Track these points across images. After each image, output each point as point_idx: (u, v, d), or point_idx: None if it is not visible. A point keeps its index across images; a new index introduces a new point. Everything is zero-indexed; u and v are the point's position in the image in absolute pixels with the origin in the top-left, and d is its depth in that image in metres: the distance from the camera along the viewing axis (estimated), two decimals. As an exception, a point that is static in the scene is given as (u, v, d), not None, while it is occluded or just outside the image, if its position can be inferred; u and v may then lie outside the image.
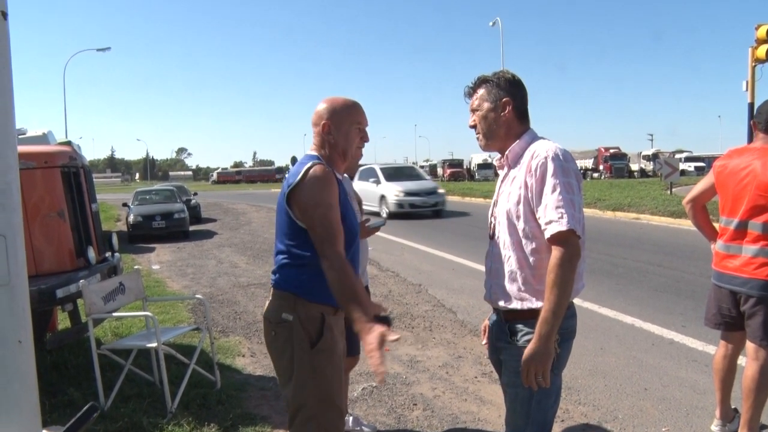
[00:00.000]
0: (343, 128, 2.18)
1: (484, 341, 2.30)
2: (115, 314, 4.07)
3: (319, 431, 2.09)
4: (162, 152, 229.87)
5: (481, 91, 2.09)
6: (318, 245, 2.01)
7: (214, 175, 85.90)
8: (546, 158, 1.91)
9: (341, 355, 2.22)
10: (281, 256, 2.15)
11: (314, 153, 2.20)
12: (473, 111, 2.11)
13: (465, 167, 55.63)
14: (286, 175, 2.26)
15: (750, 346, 2.94)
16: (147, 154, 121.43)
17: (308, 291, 2.09)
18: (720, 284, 3.06)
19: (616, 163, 46.02)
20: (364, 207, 4.70)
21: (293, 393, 2.10)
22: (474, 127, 2.12)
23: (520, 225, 1.97)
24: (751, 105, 12.80)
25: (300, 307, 2.09)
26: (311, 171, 2.05)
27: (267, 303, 2.21)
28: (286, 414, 3.19)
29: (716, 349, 3.24)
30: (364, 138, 2.26)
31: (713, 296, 3.14)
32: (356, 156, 2.25)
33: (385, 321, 1.91)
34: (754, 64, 12.62)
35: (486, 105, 2.07)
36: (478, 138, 2.13)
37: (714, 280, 3.12)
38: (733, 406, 3.24)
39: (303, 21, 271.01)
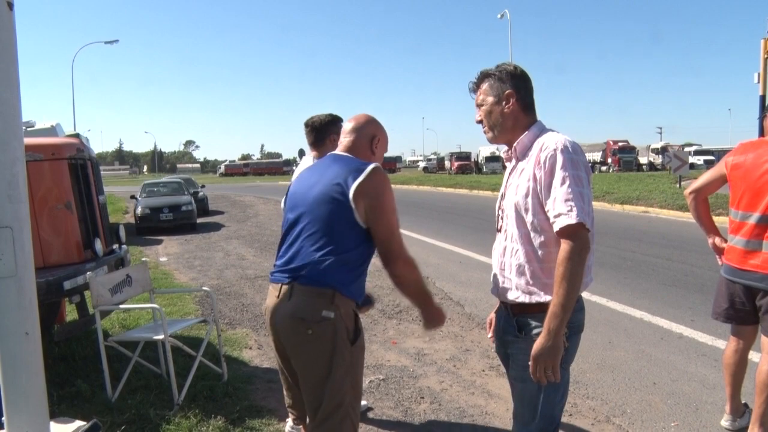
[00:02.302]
0: (383, 147, 2.38)
1: (490, 335, 2.30)
2: (122, 306, 4.08)
3: (353, 427, 2.11)
4: (170, 145, 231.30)
5: (484, 86, 2.07)
6: (389, 247, 2.13)
7: (222, 168, 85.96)
8: (555, 150, 1.89)
9: None
10: (318, 251, 2.06)
11: (352, 156, 2.23)
12: (478, 106, 2.10)
13: (473, 160, 55.37)
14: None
15: (765, 341, 2.89)
16: (155, 146, 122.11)
17: (347, 286, 2.10)
18: (734, 279, 3.00)
19: (624, 156, 45.62)
20: None
21: (331, 391, 2.04)
22: (481, 122, 2.11)
23: (529, 218, 1.94)
24: (763, 97, 12.69)
25: (339, 303, 2.07)
26: (379, 173, 2.10)
27: (289, 300, 2.09)
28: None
29: (727, 344, 3.20)
30: None
31: (725, 290, 3.07)
32: None
33: (369, 301, 2.58)
34: (766, 56, 12.49)
35: (490, 99, 2.05)
36: (485, 132, 2.11)
37: (727, 274, 3.04)
38: (743, 401, 3.21)
39: (309, 15, 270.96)
